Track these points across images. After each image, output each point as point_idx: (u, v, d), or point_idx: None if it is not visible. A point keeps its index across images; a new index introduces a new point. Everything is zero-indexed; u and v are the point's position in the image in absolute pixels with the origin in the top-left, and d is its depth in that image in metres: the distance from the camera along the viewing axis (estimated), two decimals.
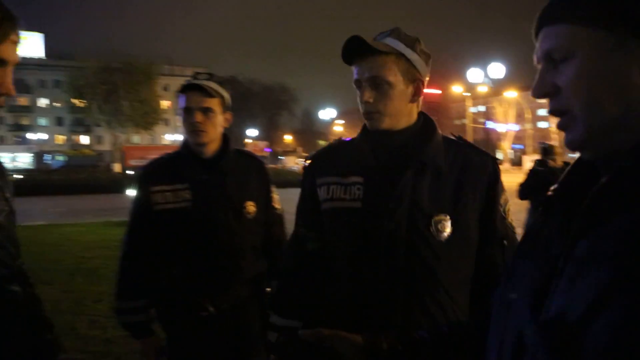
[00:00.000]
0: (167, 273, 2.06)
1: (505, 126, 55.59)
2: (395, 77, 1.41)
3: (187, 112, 2.02)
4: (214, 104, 2.03)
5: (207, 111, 2.02)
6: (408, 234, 1.40)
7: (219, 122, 2.07)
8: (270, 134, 76.65)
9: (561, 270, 0.66)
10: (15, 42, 1.06)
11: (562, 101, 0.71)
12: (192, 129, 2.01)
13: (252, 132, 67.06)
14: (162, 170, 2.10)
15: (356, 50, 1.41)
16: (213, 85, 2.05)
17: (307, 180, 1.62)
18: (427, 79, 1.50)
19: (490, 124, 56.40)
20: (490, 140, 58.95)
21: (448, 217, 1.40)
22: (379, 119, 1.43)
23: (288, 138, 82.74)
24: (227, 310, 2.03)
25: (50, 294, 5.70)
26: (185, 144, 2.11)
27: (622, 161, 0.65)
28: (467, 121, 51.57)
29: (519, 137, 59.08)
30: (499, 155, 43.59)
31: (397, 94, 1.42)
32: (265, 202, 2.17)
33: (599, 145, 0.70)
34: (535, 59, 0.75)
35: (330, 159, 1.58)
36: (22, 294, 1.23)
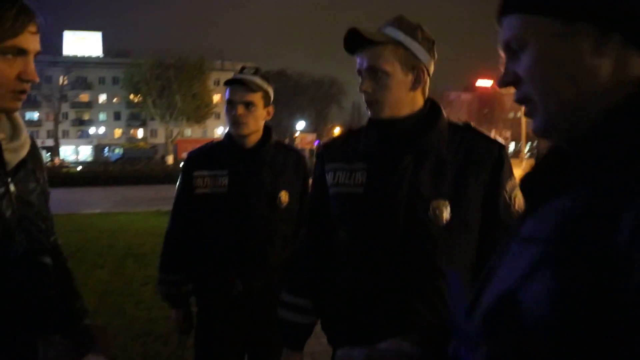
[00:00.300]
0: (204, 252, 2.19)
1: None
2: (392, 66, 1.43)
3: (230, 105, 2.14)
4: (256, 98, 2.13)
5: (249, 105, 2.12)
6: (406, 218, 1.42)
7: (261, 115, 2.17)
8: (319, 127, 76.95)
9: (508, 250, 0.69)
10: (34, 33, 1.15)
11: (524, 90, 0.72)
12: (234, 121, 2.13)
13: (300, 125, 67.57)
14: (204, 157, 2.23)
15: (355, 41, 1.45)
16: (257, 80, 2.14)
17: (317, 166, 1.68)
18: (432, 65, 1.51)
19: None
20: None
21: (447, 202, 1.41)
22: (378, 108, 1.46)
23: (337, 131, 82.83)
24: (256, 291, 2.13)
25: (102, 277, 6.05)
26: (228, 134, 2.23)
27: (578, 144, 0.68)
28: (521, 113, 49.93)
29: None
30: None
31: (396, 83, 1.44)
32: (300, 194, 2.25)
33: (561, 129, 0.71)
34: (499, 48, 0.76)
35: (339, 146, 1.63)
36: (53, 266, 1.34)
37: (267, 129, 2.25)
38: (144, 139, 68.53)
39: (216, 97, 59.07)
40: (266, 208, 2.15)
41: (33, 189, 1.27)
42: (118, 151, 49.82)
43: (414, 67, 1.46)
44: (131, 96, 56.50)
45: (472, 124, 1.60)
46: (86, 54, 70.33)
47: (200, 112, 53.91)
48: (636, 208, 0.54)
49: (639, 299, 0.51)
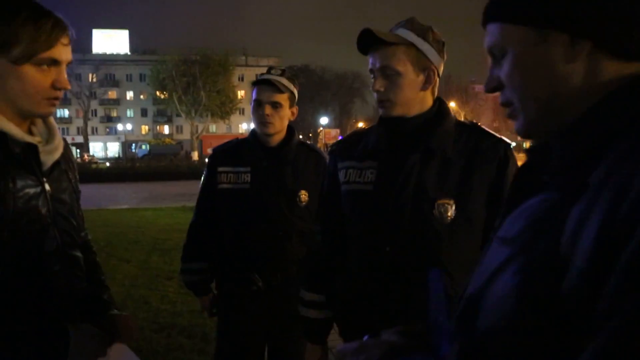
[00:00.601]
0: (225, 246, 2.27)
1: None
2: (404, 66, 1.48)
3: (258, 104, 2.20)
4: (283, 99, 2.20)
5: (276, 105, 2.19)
6: (412, 216, 1.47)
7: (286, 115, 2.24)
8: (342, 122, 76.83)
9: (488, 249, 0.74)
10: (66, 45, 1.26)
11: (506, 94, 0.76)
12: (261, 120, 2.20)
13: (324, 120, 67.61)
14: (229, 153, 2.31)
15: (368, 42, 1.50)
16: (284, 81, 2.21)
17: (330, 164, 1.74)
18: (442, 66, 1.56)
19: None
20: None
21: (453, 201, 1.46)
22: (390, 107, 1.51)
23: (361, 126, 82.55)
24: (275, 286, 2.20)
25: (128, 270, 6.23)
26: (253, 132, 2.31)
27: (554, 142, 0.71)
28: None
29: None
30: None
31: (407, 83, 1.49)
32: (319, 193, 2.32)
33: (540, 130, 0.76)
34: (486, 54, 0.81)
35: (350, 145, 1.68)
36: (83, 259, 1.45)
37: (290, 128, 2.32)
38: (170, 135, 69.49)
39: (240, 93, 59.50)
40: (286, 206, 2.21)
41: (66, 188, 1.38)
42: (145, 147, 50.68)
43: (425, 67, 1.50)
44: (157, 93, 57.35)
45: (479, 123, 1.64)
46: (114, 52, 71.63)
47: (224, 108, 54.39)
48: (579, 211, 0.58)
49: (573, 299, 0.55)
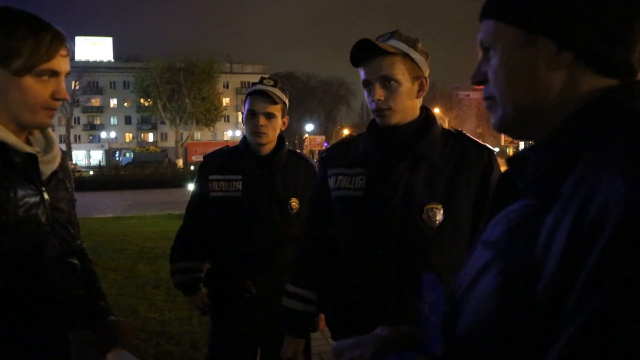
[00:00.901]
0: (217, 254, 2.30)
1: None
2: (402, 75, 1.54)
3: (252, 115, 2.23)
4: (276, 109, 2.24)
5: (269, 116, 2.22)
6: (402, 221, 1.52)
7: (279, 125, 2.28)
8: (328, 128, 77.01)
9: (472, 252, 0.77)
10: (64, 56, 1.29)
11: (489, 88, 0.80)
12: (255, 130, 2.22)
13: (309, 126, 67.70)
14: (220, 161, 2.33)
15: (365, 52, 1.54)
16: (278, 92, 2.25)
17: (320, 171, 1.79)
18: (428, 75, 1.62)
19: None
20: None
21: (440, 206, 1.51)
22: (389, 115, 1.56)
23: (346, 132, 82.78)
24: (267, 292, 2.23)
25: (115, 279, 6.18)
26: (244, 141, 2.33)
27: (531, 151, 0.75)
28: None
29: None
30: None
31: (405, 91, 1.55)
32: (309, 200, 2.34)
33: (514, 129, 0.80)
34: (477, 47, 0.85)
35: (340, 152, 1.73)
36: (80, 267, 1.47)
37: (281, 137, 2.36)
38: (154, 142, 68.97)
39: (225, 100, 59.33)
40: (278, 213, 2.24)
41: (63, 197, 1.40)
42: (129, 155, 50.25)
43: (418, 76, 1.57)
44: (142, 100, 56.98)
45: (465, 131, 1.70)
46: (97, 59, 71.08)
47: (209, 115, 54.19)
48: (552, 218, 0.61)
49: (546, 301, 0.58)
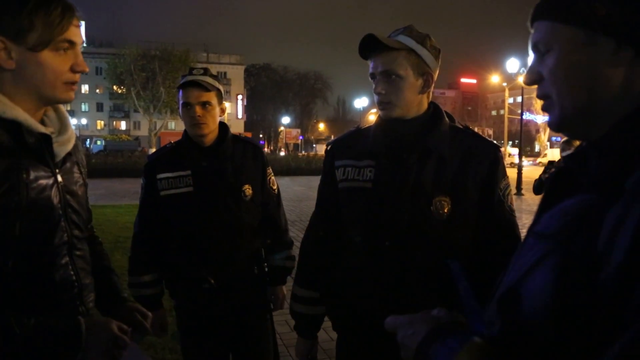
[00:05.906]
0: (173, 250, 2.23)
1: (543, 118, 54.27)
2: (405, 70, 1.55)
3: (187, 107, 2.17)
4: (211, 97, 2.18)
5: (205, 105, 2.17)
6: (411, 212, 1.54)
7: (217, 113, 2.23)
8: (303, 122, 76.89)
9: (525, 243, 0.78)
10: (77, 26, 1.25)
11: (545, 88, 0.81)
12: (193, 122, 2.16)
13: (285, 119, 67.35)
14: (165, 159, 2.25)
15: (371, 46, 1.56)
16: (209, 79, 2.19)
17: (327, 162, 1.79)
18: (437, 71, 1.64)
19: (529, 116, 55.15)
20: (529, 132, 57.75)
21: (448, 198, 1.54)
22: (390, 109, 1.58)
23: (321, 126, 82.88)
24: (227, 283, 2.20)
25: None
26: (186, 135, 2.27)
27: (592, 148, 0.75)
28: (504, 112, 50.54)
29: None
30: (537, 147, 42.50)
31: (407, 86, 1.56)
32: (261, 184, 2.34)
33: (573, 128, 0.81)
34: (529, 49, 0.86)
35: (347, 144, 1.74)
36: (91, 250, 1.45)
37: (222, 125, 2.31)
38: (126, 131, 67.74)
39: None
40: (232, 202, 2.21)
41: (76, 180, 1.37)
42: (100, 143, 49.21)
43: (424, 72, 1.58)
44: (114, 87, 55.76)
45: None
46: None
47: None
48: (616, 212, 0.62)
49: (609, 291, 0.59)
